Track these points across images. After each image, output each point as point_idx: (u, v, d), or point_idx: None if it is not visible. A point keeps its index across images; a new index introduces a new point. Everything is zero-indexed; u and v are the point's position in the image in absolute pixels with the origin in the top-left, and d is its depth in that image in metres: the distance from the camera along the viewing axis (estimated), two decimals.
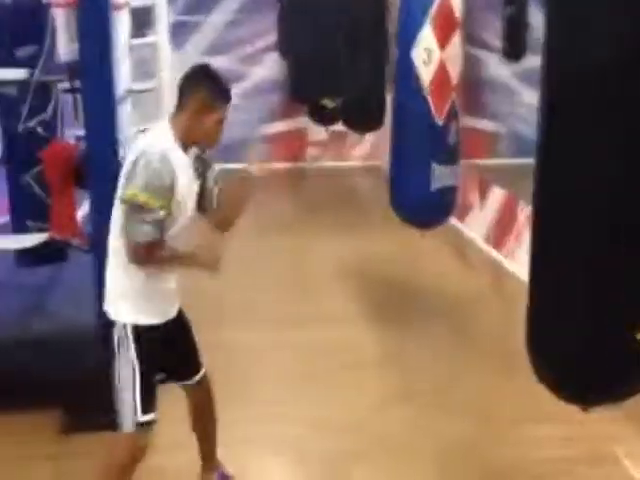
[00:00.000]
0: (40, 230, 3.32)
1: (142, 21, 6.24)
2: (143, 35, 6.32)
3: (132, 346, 2.31)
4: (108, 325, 2.36)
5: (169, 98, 6.63)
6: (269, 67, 7.88)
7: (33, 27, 2.96)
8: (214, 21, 7.77)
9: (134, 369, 2.31)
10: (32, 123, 3.18)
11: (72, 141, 3.39)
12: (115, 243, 2.31)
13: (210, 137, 2.29)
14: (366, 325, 4.35)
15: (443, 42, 3.61)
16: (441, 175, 3.91)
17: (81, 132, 3.12)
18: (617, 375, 1.81)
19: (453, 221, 5.56)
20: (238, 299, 4.67)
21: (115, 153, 3.00)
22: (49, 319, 3.36)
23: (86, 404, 3.15)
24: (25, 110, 3.15)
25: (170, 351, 2.43)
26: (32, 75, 3.10)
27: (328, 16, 4.90)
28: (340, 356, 3.93)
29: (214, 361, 3.69)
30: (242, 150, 8.10)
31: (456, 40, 3.68)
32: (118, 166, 3.03)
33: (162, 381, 2.47)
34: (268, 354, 3.98)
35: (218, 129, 2.29)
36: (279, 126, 8.17)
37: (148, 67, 6.70)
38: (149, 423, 2.35)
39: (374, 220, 6.11)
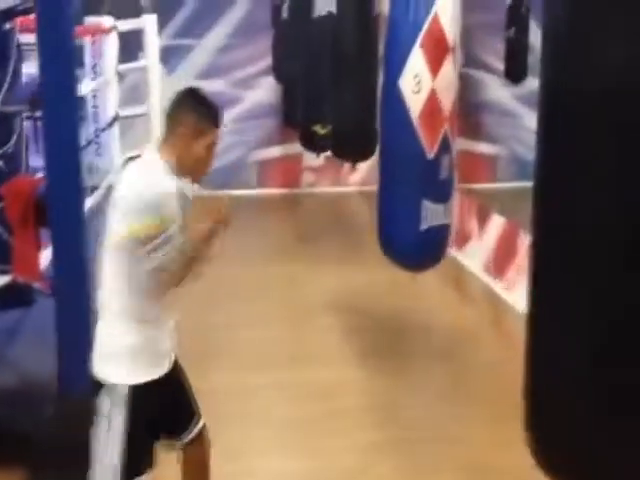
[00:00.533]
0: (2, 272, 3.10)
1: (131, 45, 6.09)
2: (133, 60, 6.18)
3: (121, 407, 2.13)
4: (96, 385, 2.21)
5: (159, 124, 6.47)
6: (264, 91, 7.71)
7: None
8: (207, 45, 7.62)
9: (115, 432, 2.14)
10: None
11: (39, 172, 3.18)
12: (109, 295, 2.16)
13: (201, 164, 2.17)
14: (357, 365, 4.10)
15: (435, 68, 3.32)
16: (432, 213, 3.63)
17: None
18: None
19: (451, 250, 5.34)
20: (221, 335, 4.45)
21: (79, 189, 2.79)
22: (9, 369, 3.13)
23: (49, 461, 2.93)
24: None
25: (166, 403, 2.24)
26: None
27: (318, 41, 4.72)
28: (328, 400, 3.69)
29: None
30: (235, 175, 7.94)
31: (449, 66, 3.37)
32: (81, 203, 2.84)
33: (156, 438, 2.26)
34: (252, 397, 3.73)
35: (209, 155, 2.17)
36: (274, 151, 7.98)
37: (138, 92, 6.55)
38: None
39: (369, 249, 5.85)
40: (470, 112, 7.51)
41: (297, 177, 8.08)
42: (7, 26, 2.79)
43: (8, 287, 3.09)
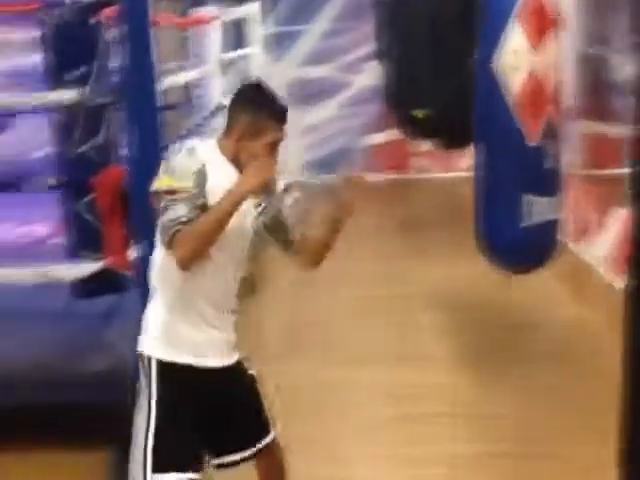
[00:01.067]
0: (95, 259, 3.17)
1: (236, 34, 6.14)
2: (238, 48, 6.23)
3: (154, 386, 1.98)
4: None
5: None
6: (371, 75, 7.55)
7: (84, 47, 2.80)
8: (313, 30, 7.56)
9: (149, 416, 1.96)
10: (85, 148, 3.03)
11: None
12: (154, 282, 2.05)
13: (259, 167, 1.94)
14: (454, 368, 3.85)
15: (535, 43, 2.96)
16: (535, 208, 3.22)
17: None
18: None
19: (568, 242, 4.95)
20: (313, 329, 4.37)
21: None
22: (103, 353, 3.21)
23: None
24: (78, 134, 3.01)
25: (216, 414, 2.05)
26: (82, 97, 2.96)
27: (418, 23, 4.49)
28: (419, 404, 3.49)
29: (277, 398, 3.43)
30: (343, 161, 7.85)
31: (552, 41, 3.02)
32: None
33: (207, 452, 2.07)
34: (340, 395, 3.61)
35: (268, 156, 1.97)
36: (382, 136, 7.82)
37: (238, 81, 6.61)
38: None
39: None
40: (596, 92, 7.00)
41: (406, 162, 7.89)
42: (94, 19, 2.82)
43: (102, 274, 3.16)
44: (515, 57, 2.98)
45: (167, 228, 1.87)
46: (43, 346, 3.26)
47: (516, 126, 3.12)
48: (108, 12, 2.81)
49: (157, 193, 1.90)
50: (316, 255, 2.18)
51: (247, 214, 2.00)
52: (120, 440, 2.97)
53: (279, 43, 7.45)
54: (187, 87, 5.45)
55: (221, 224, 1.88)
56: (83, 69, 2.90)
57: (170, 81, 4.72)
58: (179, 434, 1.96)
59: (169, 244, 1.89)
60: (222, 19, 5.56)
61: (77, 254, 3.21)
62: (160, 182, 1.90)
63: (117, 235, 3.02)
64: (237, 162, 1.98)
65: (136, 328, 2.99)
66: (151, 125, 2.69)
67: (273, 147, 1.99)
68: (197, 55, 5.64)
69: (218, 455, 2.11)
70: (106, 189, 2.97)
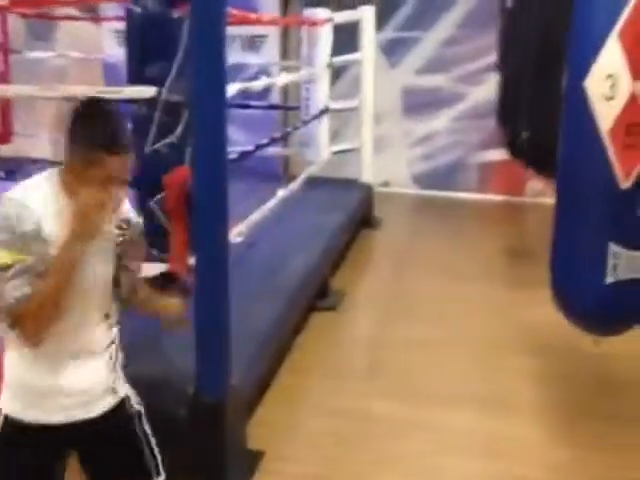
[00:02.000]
0: (163, 261, 3.11)
1: (348, 38, 5.98)
2: (349, 52, 6.07)
3: None
4: None
5: (370, 118, 6.31)
6: (488, 88, 7.18)
7: (164, 43, 2.73)
8: (432, 37, 7.27)
9: None
10: (159, 145, 2.97)
11: None
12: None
13: (98, 204, 1.68)
14: (550, 423, 3.39)
15: (637, 67, 2.52)
16: (623, 262, 2.75)
17: None
18: None
19: None
20: (388, 360, 4.11)
21: (223, 179, 2.66)
22: (159, 356, 3.14)
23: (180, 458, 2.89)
24: (153, 131, 2.95)
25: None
26: (160, 94, 2.90)
27: (529, 37, 4.12)
28: (504, 461, 3.10)
29: (338, 432, 3.20)
30: (454, 177, 7.52)
31: None
32: (224, 197, 2.71)
33: None
34: (408, 435, 3.32)
35: (103, 189, 1.67)
36: (497, 154, 7.42)
37: (352, 85, 6.44)
38: None
39: None
40: None
41: (520, 184, 7.43)
42: (175, 14, 2.75)
43: (168, 276, 3.09)
44: (610, 84, 2.52)
45: (9, 307, 1.66)
46: None
47: (606, 163, 2.71)
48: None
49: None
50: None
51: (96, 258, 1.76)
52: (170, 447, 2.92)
53: (395, 49, 7.22)
54: (295, 88, 5.37)
55: (64, 284, 1.67)
56: (163, 65, 2.83)
57: (277, 80, 4.65)
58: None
59: (12, 326, 1.68)
60: (334, 22, 5.42)
61: (148, 254, 3.16)
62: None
63: (179, 238, 2.93)
64: (75, 196, 1.70)
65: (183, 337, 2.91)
66: (217, 126, 2.56)
67: (107, 181, 1.67)
68: (307, 57, 5.54)
69: None
70: (173, 189, 2.89)
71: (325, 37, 5.41)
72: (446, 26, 7.19)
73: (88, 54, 5.97)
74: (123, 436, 1.94)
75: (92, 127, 1.67)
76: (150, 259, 3.13)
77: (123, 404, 1.93)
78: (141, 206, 3.12)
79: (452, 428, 3.37)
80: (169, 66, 2.72)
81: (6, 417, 1.80)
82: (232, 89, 3.46)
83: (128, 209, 1.90)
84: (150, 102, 2.91)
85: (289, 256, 4.43)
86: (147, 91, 2.90)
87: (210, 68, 2.47)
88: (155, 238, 3.07)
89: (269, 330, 3.58)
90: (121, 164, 1.68)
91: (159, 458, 1.99)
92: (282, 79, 4.59)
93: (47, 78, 6.10)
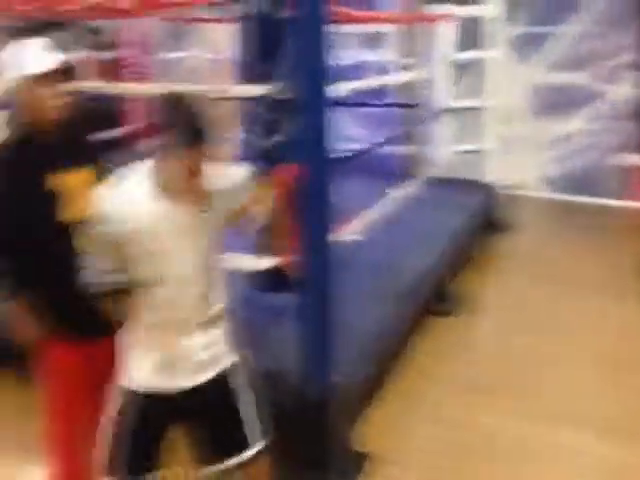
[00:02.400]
0: (272, 255, 3.14)
1: (472, 35, 5.79)
2: (474, 49, 5.88)
3: (121, 406, 2.03)
4: None
5: (496, 117, 6.07)
6: (630, 87, 6.69)
7: (274, 42, 2.76)
8: (566, 33, 6.87)
9: (113, 431, 2.03)
10: (268, 142, 3.01)
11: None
12: None
13: (185, 188, 1.85)
14: None
15: None
16: None
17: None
18: None
19: None
20: (510, 373, 3.85)
21: (326, 177, 2.64)
22: (266, 347, 3.17)
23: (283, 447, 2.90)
24: (263, 128, 3.00)
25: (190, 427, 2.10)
26: (269, 92, 2.93)
27: None
28: None
29: (450, 442, 3.07)
30: (591, 182, 7.06)
31: None
32: (327, 195, 2.69)
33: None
34: (530, 455, 3.12)
35: (187, 179, 1.82)
36: (637, 158, 6.90)
37: (475, 83, 6.23)
38: None
39: None
40: None
41: None
42: (286, 14, 2.77)
43: (281, 271, 3.11)
44: None
45: (96, 278, 1.93)
46: None
47: None
48: None
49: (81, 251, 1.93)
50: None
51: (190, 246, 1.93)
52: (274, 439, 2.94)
53: (526, 45, 6.90)
54: (415, 86, 5.27)
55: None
56: (273, 63, 2.86)
57: (394, 78, 4.59)
58: (136, 443, 2.02)
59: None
60: (457, 18, 5.27)
61: (264, 248, 3.21)
62: (83, 242, 1.92)
63: (286, 234, 2.94)
64: (169, 186, 1.86)
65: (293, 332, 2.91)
66: (318, 123, 2.56)
67: (192, 172, 1.80)
68: (428, 54, 5.42)
69: (201, 464, 2.13)
70: (280, 186, 2.91)
71: (447, 34, 5.28)
72: (581, 21, 6.79)
73: (217, 54, 6.21)
74: (226, 404, 2.10)
75: (173, 122, 1.79)
76: (261, 253, 3.20)
77: (229, 373, 2.10)
78: None
79: (579, 452, 3.14)
80: (279, 65, 2.74)
81: (128, 391, 2.01)
82: (345, 87, 3.45)
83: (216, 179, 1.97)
84: (261, 100, 2.95)
85: (405, 256, 4.35)
86: (257, 89, 2.95)
87: (311, 66, 2.47)
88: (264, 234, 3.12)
89: (380, 330, 3.53)
90: (198, 156, 1.79)
91: (259, 426, 2.16)
92: (399, 77, 4.52)
93: (184, 77, 6.41)
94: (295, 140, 2.73)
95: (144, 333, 1.99)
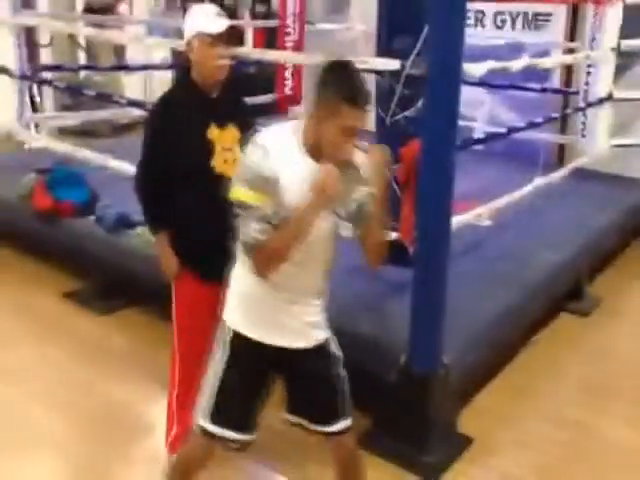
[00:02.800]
0: (394, 229, 3.16)
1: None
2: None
3: (226, 349, 2.13)
4: None
5: None
6: None
7: (412, 17, 2.75)
8: None
9: (217, 373, 2.14)
10: (399, 117, 3.01)
11: None
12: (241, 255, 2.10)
13: (335, 149, 1.91)
14: None
15: None
16: None
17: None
18: None
19: None
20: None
21: (449, 153, 2.60)
22: (380, 319, 3.21)
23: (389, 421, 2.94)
24: (394, 103, 3.00)
25: (294, 385, 2.20)
26: (403, 67, 2.93)
27: None
28: None
29: (558, 443, 2.99)
30: None
31: None
32: (451, 175, 2.66)
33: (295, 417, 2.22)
34: None
35: (342, 140, 1.90)
36: None
37: None
38: (213, 436, 2.16)
39: None
40: None
41: None
42: None
43: (398, 244, 3.13)
44: None
45: (244, 244, 1.97)
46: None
47: None
48: None
49: (234, 201, 1.95)
50: (374, 241, 2.08)
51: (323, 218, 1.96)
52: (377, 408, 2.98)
53: None
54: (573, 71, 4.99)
55: (295, 243, 1.92)
56: (409, 39, 2.85)
57: (541, 62, 4.38)
58: (241, 398, 2.14)
59: (248, 257, 1.99)
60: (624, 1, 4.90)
61: None
62: (235, 192, 1.94)
63: (408, 209, 2.95)
64: (315, 146, 1.93)
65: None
66: (449, 103, 2.52)
67: (349, 132, 1.89)
68: (591, 39, 5.11)
69: (293, 412, 2.23)
70: (406, 161, 2.92)
71: (613, 18, 4.92)
72: None
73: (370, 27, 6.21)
74: (323, 373, 2.17)
75: (338, 82, 1.89)
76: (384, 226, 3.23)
77: (326, 346, 2.18)
78: None
79: None
80: (415, 41, 2.73)
81: (235, 332, 2.13)
82: (483, 67, 3.36)
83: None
84: (394, 74, 2.96)
85: (538, 247, 4.17)
86: (392, 64, 2.95)
87: (445, 42, 2.45)
88: (389, 206, 3.14)
89: (499, 318, 3.44)
90: (359, 117, 1.89)
91: (350, 403, 2.20)
92: (555, 60, 4.27)
93: (338, 49, 6.50)
94: (422, 116, 2.72)
95: (256, 283, 2.06)
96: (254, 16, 8.51)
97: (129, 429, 3.06)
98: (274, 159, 1.92)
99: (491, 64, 3.52)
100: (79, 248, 4.27)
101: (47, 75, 6.61)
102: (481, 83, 6.08)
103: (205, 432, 2.16)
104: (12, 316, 4.09)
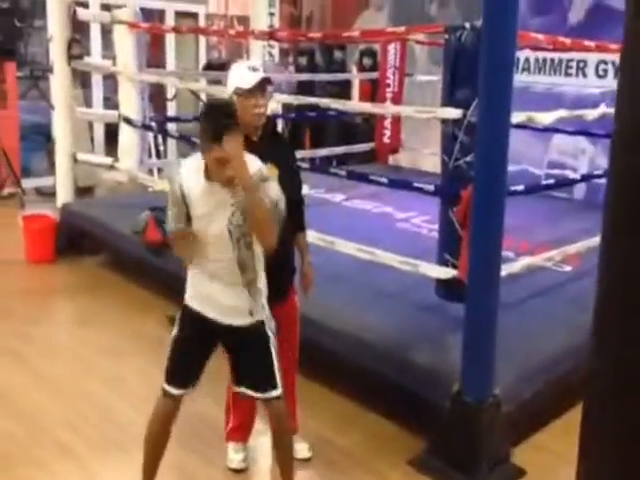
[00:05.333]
0: (454, 266, 3.36)
1: None
2: None
3: (179, 320, 2.65)
4: None
5: None
6: None
7: (472, 69, 3.00)
8: None
9: (172, 340, 2.65)
10: (461, 162, 3.25)
11: None
12: None
13: (215, 175, 2.38)
14: None
15: None
16: None
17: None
18: None
19: None
20: None
21: (501, 195, 2.81)
22: (436, 353, 3.39)
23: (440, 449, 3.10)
24: (457, 148, 3.24)
25: (235, 355, 2.63)
26: (465, 116, 3.17)
27: None
28: None
29: None
30: None
31: None
32: (501, 210, 2.86)
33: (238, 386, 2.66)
34: None
35: (217, 168, 2.35)
36: None
37: None
38: (170, 395, 2.62)
39: None
40: None
41: None
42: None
43: (455, 281, 3.33)
44: None
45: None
46: (396, 326, 3.62)
47: None
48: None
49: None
50: (257, 226, 2.42)
51: (221, 218, 2.44)
52: (431, 432, 3.14)
53: None
54: None
55: (263, 205, 2.37)
56: (470, 90, 3.10)
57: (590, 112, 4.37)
58: (185, 360, 2.63)
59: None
60: None
61: (443, 258, 3.46)
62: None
63: (464, 248, 3.15)
64: (206, 170, 2.41)
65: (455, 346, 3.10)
66: (496, 150, 2.75)
67: (221, 161, 2.31)
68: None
69: (237, 383, 2.67)
70: (463, 203, 3.13)
71: None
72: None
73: None
74: (258, 347, 2.60)
75: (205, 123, 2.36)
76: (443, 263, 3.44)
77: (260, 325, 2.60)
78: (443, 214, 3.44)
79: None
80: (475, 91, 2.97)
81: (185, 305, 2.66)
82: (552, 116, 3.54)
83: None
84: (456, 122, 3.21)
85: None
86: (454, 112, 3.21)
87: (492, 91, 2.68)
88: (451, 245, 3.36)
89: (563, 360, 3.50)
90: (229, 146, 2.29)
91: (279, 376, 2.61)
92: (593, 111, 4.21)
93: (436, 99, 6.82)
94: (475, 161, 2.96)
95: (195, 270, 2.60)
96: (362, 68, 8.99)
97: (216, 438, 3.34)
98: (183, 179, 2.47)
99: (561, 113, 3.68)
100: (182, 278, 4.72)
101: (171, 125, 7.34)
102: (581, 132, 6.12)
103: (165, 392, 2.63)
104: (120, 333, 4.59)
